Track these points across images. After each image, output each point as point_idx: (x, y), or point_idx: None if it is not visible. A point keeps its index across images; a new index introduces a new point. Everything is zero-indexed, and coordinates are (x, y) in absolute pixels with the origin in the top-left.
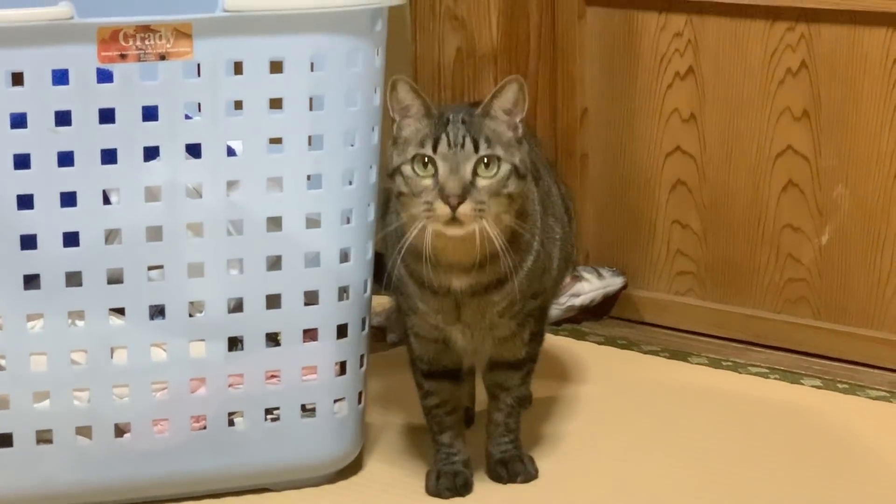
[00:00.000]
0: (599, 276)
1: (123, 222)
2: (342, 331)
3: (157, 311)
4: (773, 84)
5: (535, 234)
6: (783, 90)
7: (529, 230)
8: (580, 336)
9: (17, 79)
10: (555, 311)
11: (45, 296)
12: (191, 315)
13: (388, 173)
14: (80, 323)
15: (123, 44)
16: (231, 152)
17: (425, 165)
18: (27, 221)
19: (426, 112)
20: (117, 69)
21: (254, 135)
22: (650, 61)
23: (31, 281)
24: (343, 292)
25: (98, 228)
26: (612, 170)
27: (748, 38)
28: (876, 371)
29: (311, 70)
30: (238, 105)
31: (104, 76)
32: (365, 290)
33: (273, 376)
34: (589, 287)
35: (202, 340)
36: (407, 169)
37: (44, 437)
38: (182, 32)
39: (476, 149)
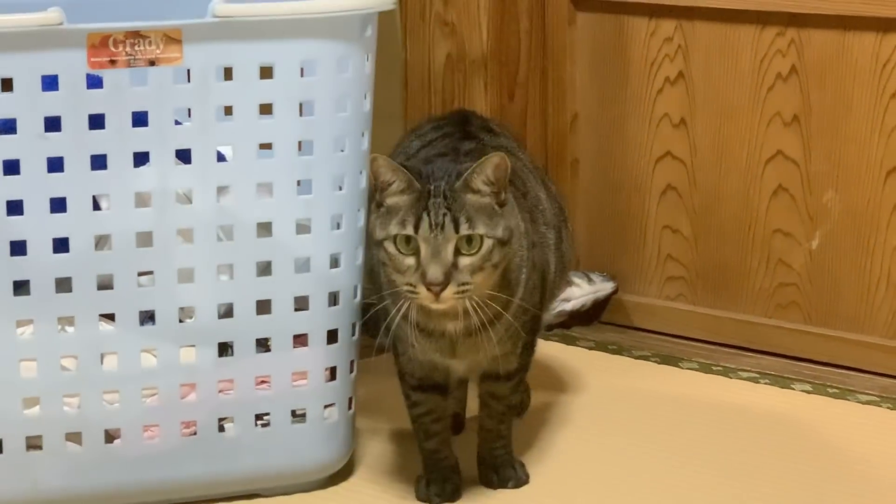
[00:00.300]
0: (590, 281)
1: (113, 228)
2: (332, 336)
3: (148, 317)
4: (763, 89)
5: (521, 272)
6: (773, 95)
7: (516, 275)
8: (571, 341)
9: (7, 84)
10: (545, 316)
11: (35, 302)
12: (181, 321)
13: (373, 241)
14: (69, 329)
15: (113, 49)
16: (221, 158)
17: (408, 243)
18: (17, 227)
19: (408, 185)
20: (107, 75)
21: (244, 140)
22: (640, 66)
23: (21, 287)
24: (333, 298)
25: (88, 234)
26: (603, 175)
27: (738, 43)
28: (866, 376)
29: (301, 76)
30: (228, 110)
31: (94, 82)
32: (355, 296)
33: (263, 382)
34: (579, 292)
35: (192, 346)
36: (390, 246)
37: (34, 444)
38: (172, 38)
39: (457, 229)
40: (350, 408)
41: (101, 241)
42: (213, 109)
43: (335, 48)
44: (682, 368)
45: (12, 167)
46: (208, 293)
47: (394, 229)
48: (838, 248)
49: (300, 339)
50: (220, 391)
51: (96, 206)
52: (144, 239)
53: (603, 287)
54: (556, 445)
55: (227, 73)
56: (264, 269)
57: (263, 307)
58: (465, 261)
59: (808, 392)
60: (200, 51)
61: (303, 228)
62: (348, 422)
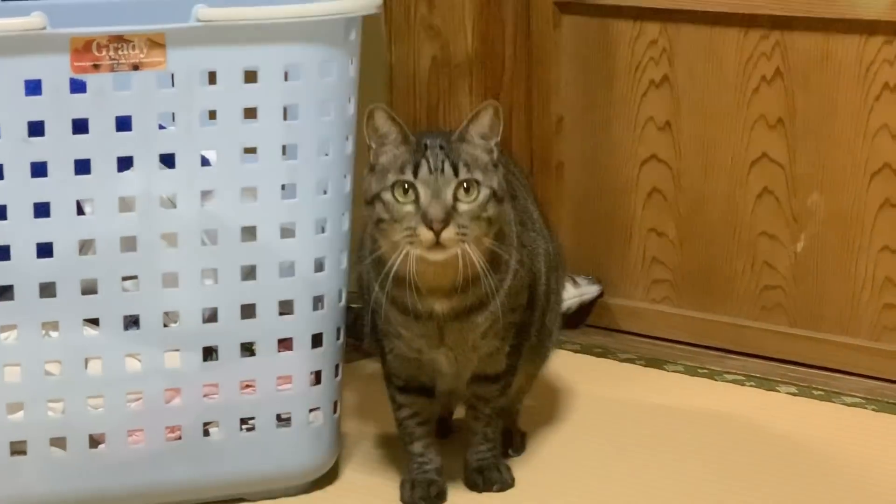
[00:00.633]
0: (575, 284)
1: (97, 233)
2: (317, 340)
3: (132, 322)
4: (747, 92)
5: (511, 255)
6: (758, 98)
7: (507, 251)
8: (556, 344)
9: None
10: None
11: (19, 307)
12: (165, 325)
13: (367, 200)
14: (54, 334)
15: (97, 54)
16: (205, 162)
17: (406, 192)
18: (0, 232)
19: (404, 139)
20: (90, 79)
21: (228, 144)
22: (625, 70)
23: (5, 292)
24: (318, 302)
25: (72, 239)
26: (588, 178)
27: (723, 46)
28: (851, 378)
29: (286, 80)
30: (212, 115)
31: (77, 86)
32: (340, 300)
33: (248, 386)
34: (565, 295)
35: (177, 350)
36: (387, 195)
37: (18, 449)
38: (155, 42)
39: (456, 173)
40: (335, 412)
41: (86, 246)
42: (197, 114)
43: (319, 52)
44: (667, 371)
45: None
46: (193, 297)
47: (392, 177)
48: (823, 251)
49: (285, 343)
50: (204, 395)
51: (80, 211)
52: (129, 243)
53: (588, 290)
54: (541, 449)
55: (211, 78)
56: (249, 273)
57: (248, 311)
58: (463, 206)
59: (794, 394)
60: (184, 55)
61: (287, 232)
62: (333, 426)
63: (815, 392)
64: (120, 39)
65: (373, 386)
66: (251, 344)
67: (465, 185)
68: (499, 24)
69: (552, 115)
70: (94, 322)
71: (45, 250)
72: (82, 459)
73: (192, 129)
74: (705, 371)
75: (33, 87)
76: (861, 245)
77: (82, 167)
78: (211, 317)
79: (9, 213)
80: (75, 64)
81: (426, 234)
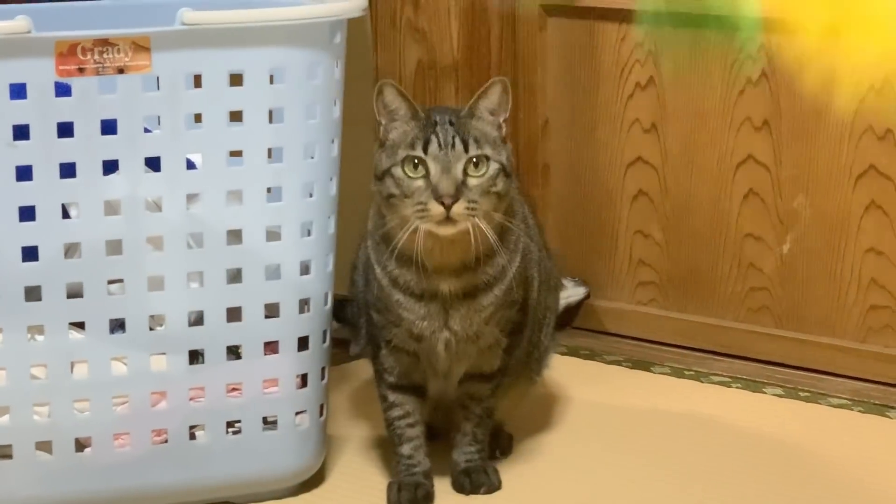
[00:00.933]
0: (562, 286)
1: (83, 236)
2: (303, 343)
3: (118, 325)
4: (733, 94)
5: (520, 240)
6: (743, 100)
7: (516, 226)
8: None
9: None
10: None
11: (4, 310)
12: (151, 329)
13: (377, 175)
14: (39, 337)
15: (82, 57)
16: (191, 165)
17: (416, 167)
18: None
19: (413, 114)
20: (76, 83)
21: (213, 148)
22: (611, 72)
23: None
24: (304, 305)
25: (57, 243)
26: (574, 180)
27: (708, 48)
28: (837, 379)
29: (271, 83)
30: (198, 118)
31: (62, 90)
32: (326, 303)
33: (234, 389)
34: None
35: (163, 354)
36: (397, 171)
37: (4, 453)
38: (140, 46)
39: (466, 149)
40: (322, 415)
41: (71, 250)
42: (182, 117)
43: (304, 55)
44: (653, 373)
45: None
46: (178, 301)
47: (402, 152)
48: (809, 252)
49: (271, 347)
50: (190, 399)
51: (66, 215)
52: (114, 247)
53: (575, 292)
54: (528, 451)
55: (197, 81)
56: (234, 276)
57: (234, 314)
58: (473, 181)
59: (780, 396)
60: (169, 58)
61: (273, 235)
62: (320, 429)
63: (802, 393)
64: (105, 43)
65: (359, 389)
66: (237, 347)
67: (474, 160)
68: (484, 27)
69: (538, 117)
70: (80, 325)
71: (30, 254)
72: (68, 463)
73: (178, 132)
74: (692, 373)
75: (18, 91)
76: (846, 246)
77: (68, 171)
78: (197, 320)
79: None
80: (60, 67)
81: (436, 209)
